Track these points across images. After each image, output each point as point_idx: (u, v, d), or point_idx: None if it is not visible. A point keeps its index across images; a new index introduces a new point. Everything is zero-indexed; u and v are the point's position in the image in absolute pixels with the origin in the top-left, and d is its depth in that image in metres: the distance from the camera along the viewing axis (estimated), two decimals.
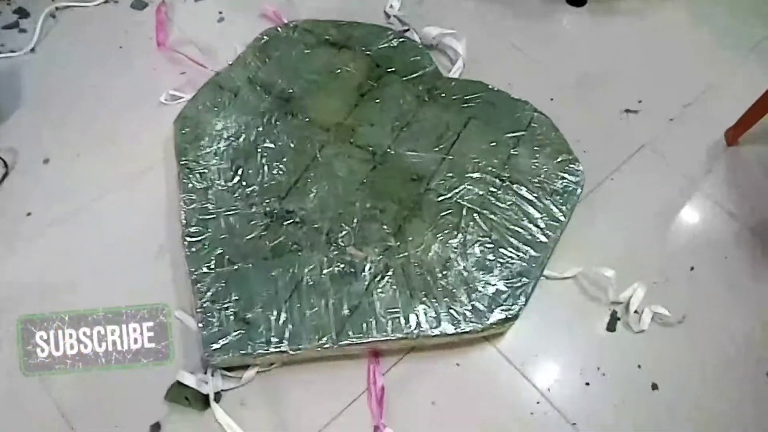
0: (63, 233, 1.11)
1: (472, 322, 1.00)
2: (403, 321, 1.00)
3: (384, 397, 0.98)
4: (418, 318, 1.00)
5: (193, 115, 1.20)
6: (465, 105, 1.24)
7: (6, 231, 1.10)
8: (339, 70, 1.27)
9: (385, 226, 1.09)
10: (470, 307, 1.01)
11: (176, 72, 1.30)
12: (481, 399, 1.00)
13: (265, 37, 1.31)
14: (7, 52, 1.30)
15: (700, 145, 1.29)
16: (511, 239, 1.09)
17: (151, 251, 1.10)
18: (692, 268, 1.14)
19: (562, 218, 1.12)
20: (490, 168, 1.16)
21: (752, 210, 1.20)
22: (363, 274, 1.04)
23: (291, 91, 1.24)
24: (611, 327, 1.08)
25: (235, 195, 1.11)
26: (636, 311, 1.08)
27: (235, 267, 1.03)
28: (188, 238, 1.06)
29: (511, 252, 1.07)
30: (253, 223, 1.08)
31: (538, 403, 1.00)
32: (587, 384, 1.02)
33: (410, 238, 1.07)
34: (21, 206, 1.13)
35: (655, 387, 1.03)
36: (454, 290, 1.03)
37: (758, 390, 1.02)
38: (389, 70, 1.28)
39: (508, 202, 1.13)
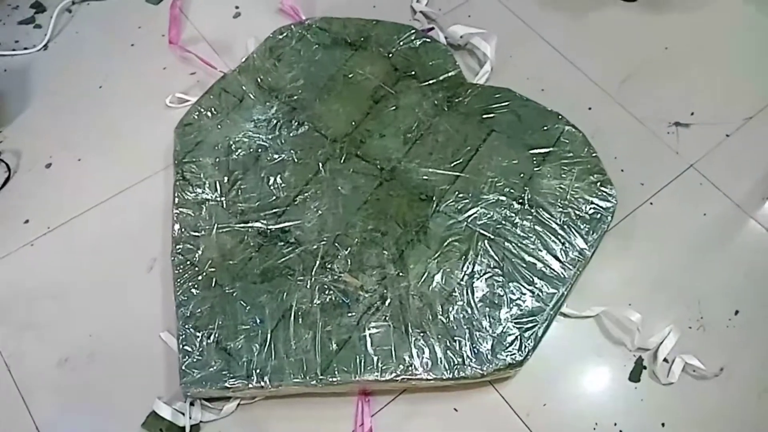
0: (58, 243, 1.08)
1: (472, 366, 0.91)
2: (395, 361, 0.91)
3: None
4: (412, 359, 0.91)
5: (194, 122, 1.14)
6: (487, 115, 1.13)
7: (2, 239, 1.08)
8: (352, 75, 1.17)
9: (385, 252, 1.00)
10: (471, 350, 0.92)
11: (186, 72, 1.24)
12: None
13: (277, 36, 1.23)
14: (20, 50, 1.27)
15: (760, 166, 1.13)
16: (525, 272, 0.98)
17: (145, 265, 1.05)
18: (737, 312, 1.00)
19: (586, 250, 1.00)
20: (508, 189, 1.05)
21: None
22: (356, 304, 0.95)
23: (300, 96, 1.15)
24: (635, 377, 0.96)
25: (230, 211, 1.04)
26: (665, 360, 0.96)
27: (223, 290, 0.97)
28: (177, 256, 1.00)
29: (523, 287, 0.97)
30: (244, 242, 1.01)
31: None
32: None
33: (411, 266, 0.98)
34: (20, 213, 1.10)
35: None
36: (455, 328, 0.93)
37: None
38: (408, 74, 1.18)
39: (526, 229, 1.01)
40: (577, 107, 1.18)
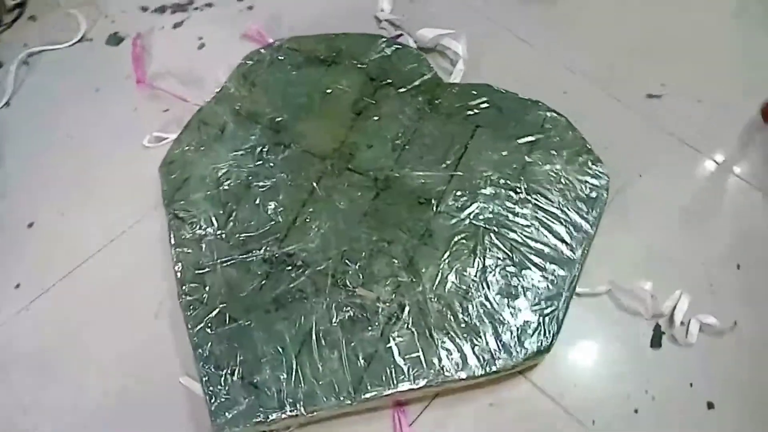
0: (55, 303, 1.04)
1: (501, 359, 0.91)
2: (425, 366, 0.91)
3: None
4: (441, 362, 0.91)
5: (178, 159, 1.11)
6: (470, 112, 1.14)
7: None
8: (330, 90, 1.17)
9: (395, 260, 0.99)
10: (498, 343, 0.92)
11: (159, 110, 1.22)
12: None
13: (248, 62, 1.22)
14: None
15: (734, 126, 1.18)
16: (536, 259, 0.99)
17: (151, 311, 1.02)
18: (738, 266, 1.03)
19: (589, 228, 1.02)
20: (504, 181, 1.06)
21: None
22: (376, 316, 0.95)
23: (281, 119, 1.14)
24: (656, 343, 0.98)
25: (231, 243, 1.02)
26: (682, 323, 0.98)
27: (237, 324, 0.95)
28: (185, 297, 0.98)
29: (536, 274, 0.98)
30: (251, 272, 1.00)
31: None
32: (636, 411, 0.93)
33: (423, 271, 0.98)
34: (9, 279, 1.06)
35: (711, 406, 0.93)
36: (477, 325, 0.94)
37: None
38: (385, 82, 1.18)
39: (528, 217, 1.03)
40: (553, 93, 1.20)
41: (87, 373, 0.98)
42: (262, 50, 1.23)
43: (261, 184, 1.08)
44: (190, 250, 1.02)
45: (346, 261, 1.00)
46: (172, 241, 1.03)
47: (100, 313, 1.03)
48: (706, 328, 0.98)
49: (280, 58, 1.22)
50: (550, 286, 0.97)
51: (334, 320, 0.95)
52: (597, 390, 0.95)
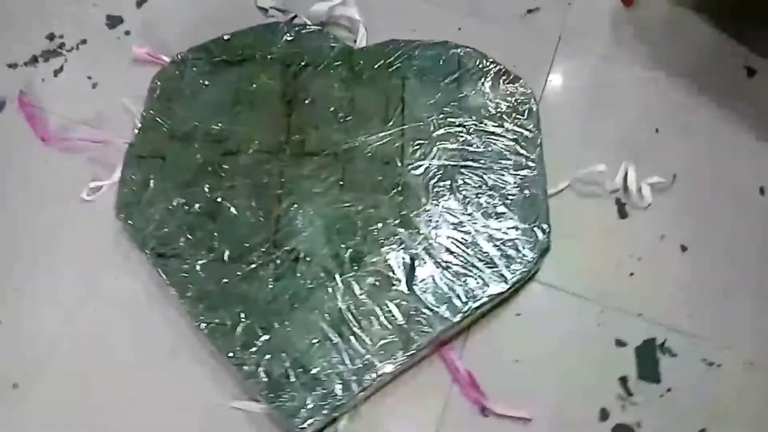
0: (60, 388, 0.96)
1: (516, 271, 1.00)
2: (456, 301, 0.97)
3: (475, 380, 0.96)
4: (467, 291, 0.98)
5: (130, 200, 1.06)
6: (390, 69, 1.19)
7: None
8: (254, 85, 1.16)
9: (388, 221, 1.04)
10: (506, 259, 1.00)
11: (81, 161, 1.14)
12: (554, 335, 1.01)
13: (158, 82, 1.17)
14: None
15: (603, 18, 1.33)
16: (504, 176, 1.08)
17: (163, 358, 0.98)
18: (657, 130, 1.19)
19: (533, 134, 1.12)
20: (449, 119, 1.13)
21: (671, 59, 1.26)
22: (395, 274, 0.99)
23: (217, 128, 1.12)
24: (622, 214, 1.12)
25: (227, 260, 1.01)
26: (636, 190, 1.12)
27: (271, 333, 0.95)
28: (205, 327, 0.96)
29: (510, 189, 1.07)
30: (259, 280, 0.99)
31: (602, 312, 1.03)
32: (631, 274, 1.06)
33: (417, 220, 1.04)
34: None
35: (684, 248, 1.08)
36: (484, 249, 1.01)
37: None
38: (301, 65, 1.19)
39: (484, 143, 1.11)
40: (450, 32, 1.28)
41: None
42: (165, 68, 1.19)
43: (227, 195, 1.06)
44: (189, 283, 0.99)
45: (345, 237, 1.02)
46: (167, 281, 0.99)
47: (116, 379, 0.97)
48: (655, 187, 1.13)
49: (187, 70, 1.18)
50: (526, 193, 1.06)
51: (359, 294, 0.98)
52: (593, 268, 1.07)
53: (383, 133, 1.12)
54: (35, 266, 1.05)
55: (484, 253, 1.01)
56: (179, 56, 1.20)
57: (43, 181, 1.12)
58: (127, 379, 0.97)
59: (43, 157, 1.14)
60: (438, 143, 1.11)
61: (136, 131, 1.13)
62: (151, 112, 1.14)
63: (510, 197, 1.06)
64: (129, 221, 1.04)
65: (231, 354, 0.93)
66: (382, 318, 0.96)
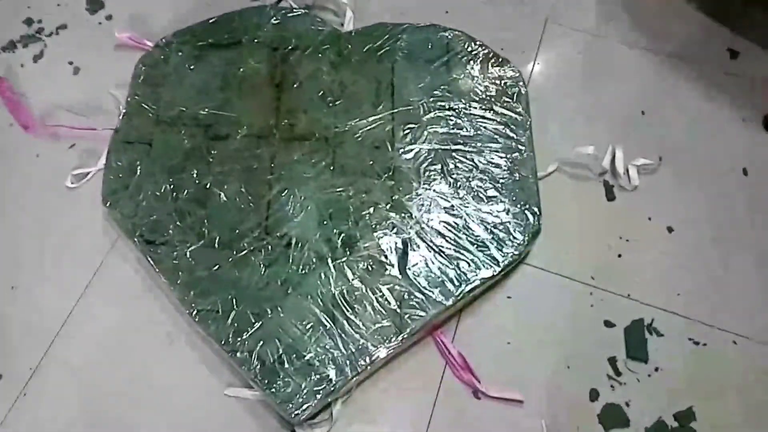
0: (52, 375, 0.95)
1: (508, 254, 1.00)
2: (449, 284, 0.97)
3: (468, 363, 0.97)
4: (460, 275, 0.98)
5: (117, 187, 1.04)
6: (379, 52, 1.18)
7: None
8: (242, 69, 1.15)
9: (380, 205, 1.04)
10: (497, 242, 1.01)
11: (64, 148, 1.12)
12: (545, 318, 1.02)
13: (143, 67, 1.15)
14: None
15: (591, 1, 1.33)
16: (496, 159, 1.08)
17: (162, 344, 0.98)
18: (643, 112, 1.20)
19: (522, 117, 1.12)
20: (439, 103, 1.13)
21: (664, 38, 1.27)
22: (388, 259, 0.99)
23: (206, 112, 1.11)
24: (610, 196, 1.13)
25: (217, 247, 1.00)
26: (624, 173, 1.13)
27: (264, 317, 0.95)
28: (197, 314, 0.95)
29: (500, 172, 1.07)
30: (251, 266, 0.98)
31: (591, 294, 1.04)
32: (620, 256, 1.07)
33: (409, 204, 1.04)
34: None
35: (670, 230, 1.10)
36: (475, 232, 1.02)
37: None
38: (289, 48, 1.18)
39: (474, 126, 1.11)
40: (438, 15, 1.27)
41: (135, 420, 0.92)
42: (152, 52, 1.17)
43: (218, 181, 1.05)
44: (178, 270, 0.98)
45: (337, 222, 1.02)
46: (156, 268, 0.98)
47: (110, 368, 0.96)
48: (642, 170, 1.14)
49: (173, 54, 1.16)
50: (516, 177, 1.07)
51: (352, 279, 0.98)
52: (583, 251, 1.08)
53: (373, 117, 1.11)
54: (23, 256, 1.04)
55: (476, 236, 1.01)
56: (164, 40, 1.18)
57: (25, 167, 1.10)
58: (123, 368, 0.96)
59: (24, 144, 1.12)
60: (428, 127, 1.10)
61: (121, 117, 1.11)
62: (137, 97, 1.12)
63: (500, 180, 1.06)
64: (116, 208, 1.03)
65: (223, 341, 0.93)
66: (375, 302, 0.96)
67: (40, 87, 1.18)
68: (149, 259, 0.99)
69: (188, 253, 0.99)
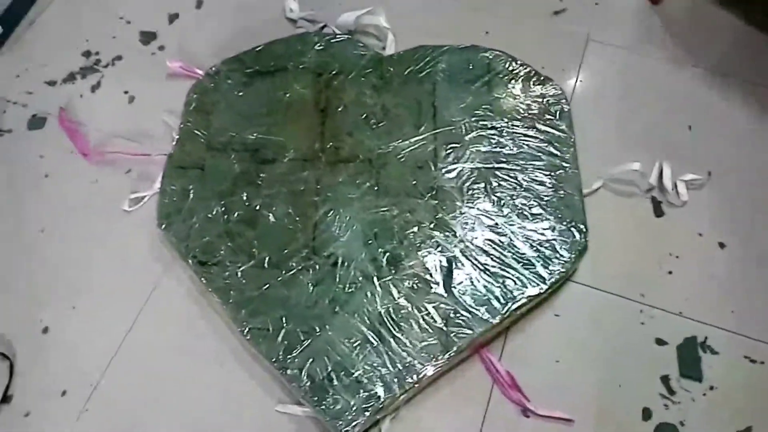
0: (113, 393, 0.99)
1: (554, 271, 1.00)
2: (495, 302, 0.97)
3: (516, 381, 0.96)
4: (506, 292, 0.98)
5: (171, 211, 1.08)
6: (421, 74, 1.21)
7: (54, 423, 0.96)
8: (288, 95, 1.18)
9: (423, 224, 1.05)
10: (543, 259, 1.01)
11: (121, 174, 1.17)
12: (594, 335, 1.01)
13: (194, 95, 1.20)
14: None
15: (630, 16, 1.33)
16: (540, 177, 1.08)
17: (213, 362, 1.00)
18: (690, 127, 1.19)
19: (565, 134, 1.13)
20: (481, 122, 1.14)
21: (699, 53, 1.26)
22: (433, 277, 1.00)
23: (254, 137, 1.14)
24: (658, 212, 1.11)
25: (267, 266, 1.02)
26: (672, 188, 1.12)
27: (313, 336, 0.96)
28: (249, 332, 0.97)
29: (545, 190, 1.07)
30: (299, 285, 1.01)
31: (641, 311, 1.03)
32: (670, 273, 1.06)
33: (453, 223, 1.05)
34: (51, 388, 0.99)
35: (722, 246, 1.08)
36: (521, 250, 1.02)
37: None
38: (332, 74, 1.21)
39: (517, 144, 1.12)
40: (478, 36, 1.29)
41: None
42: (201, 80, 1.22)
43: (266, 203, 1.08)
44: (231, 289, 1.01)
45: (381, 242, 1.03)
46: (209, 288, 1.01)
47: (165, 385, 0.99)
48: (690, 185, 1.12)
49: (222, 82, 1.21)
50: (561, 195, 1.07)
51: (397, 298, 0.99)
52: (631, 268, 1.06)
53: (416, 138, 1.13)
54: (82, 278, 1.08)
55: (521, 254, 1.01)
56: (213, 69, 1.22)
57: (84, 192, 1.15)
58: (175, 387, 0.99)
59: (83, 170, 1.17)
60: (471, 146, 1.11)
61: (174, 143, 1.15)
62: (189, 124, 1.17)
63: (545, 198, 1.06)
64: (170, 231, 1.06)
65: (274, 359, 0.95)
66: (421, 321, 0.97)
67: (97, 115, 1.24)
68: (202, 279, 1.02)
69: (239, 273, 1.02)
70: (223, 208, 1.07)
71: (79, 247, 1.10)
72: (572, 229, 1.03)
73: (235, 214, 1.07)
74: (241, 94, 1.19)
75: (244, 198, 1.08)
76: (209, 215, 1.07)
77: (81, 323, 1.04)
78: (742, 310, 1.02)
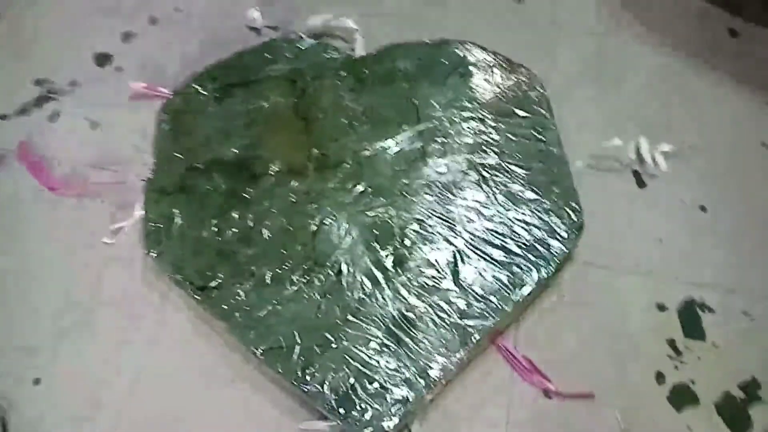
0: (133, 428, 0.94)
1: (556, 254, 1.01)
2: (505, 290, 0.98)
3: (535, 365, 0.97)
4: (514, 280, 0.99)
5: (160, 237, 1.04)
6: (396, 73, 1.20)
7: None
8: (265, 104, 1.15)
9: (423, 221, 1.04)
10: (542, 243, 1.02)
11: (96, 206, 1.11)
12: (600, 311, 1.04)
13: (166, 115, 1.15)
14: None
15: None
16: (527, 162, 1.10)
17: (224, 390, 0.97)
18: (660, 99, 1.23)
19: (546, 118, 1.14)
20: (464, 114, 1.15)
21: (663, 29, 1.31)
22: (442, 273, 1.00)
23: (236, 153, 1.11)
24: (641, 184, 1.15)
25: (270, 283, 0.99)
26: (651, 160, 1.15)
27: (328, 348, 0.94)
28: (263, 353, 0.94)
29: (534, 173, 1.09)
30: (308, 298, 0.98)
31: (639, 281, 1.06)
32: (660, 240, 1.09)
33: (454, 217, 1.05)
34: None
35: (704, 209, 1.12)
36: (520, 235, 1.03)
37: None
38: (307, 80, 1.19)
39: (499, 134, 1.13)
40: (444, 30, 1.29)
41: None
42: (172, 98, 1.17)
43: (259, 219, 1.05)
44: (236, 311, 0.97)
45: (383, 243, 1.02)
46: (212, 313, 0.97)
47: (182, 421, 0.95)
48: (669, 155, 1.16)
49: (194, 98, 1.16)
50: (550, 175, 1.08)
51: (409, 297, 0.98)
52: (628, 243, 1.09)
53: (400, 137, 1.12)
54: (71, 318, 1.02)
55: (522, 239, 1.02)
56: (183, 86, 1.18)
57: (58, 229, 1.08)
58: (189, 418, 0.95)
59: (52, 206, 1.10)
60: (457, 138, 1.12)
61: (152, 167, 1.10)
62: (164, 145, 1.12)
63: (536, 182, 1.08)
64: (162, 258, 1.02)
65: (294, 378, 0.92)
66: (435, 317, 0.96)
67: (60, 147, 1.17)
68: (204, 305, 0.98)
69: (242, 294, 0.99)
70: (215, 229, 1.04)
71: (67, 289, 1.04)
72: (566, 208, 1.05)
73: (228, 234, 1.03)
74: (215, 109, 1.15)
75: (236, 216, 1.05)
76: (201, 238, 1.03)
77: (72, 365, 0.98)
78: (731, 267, 1.07)
